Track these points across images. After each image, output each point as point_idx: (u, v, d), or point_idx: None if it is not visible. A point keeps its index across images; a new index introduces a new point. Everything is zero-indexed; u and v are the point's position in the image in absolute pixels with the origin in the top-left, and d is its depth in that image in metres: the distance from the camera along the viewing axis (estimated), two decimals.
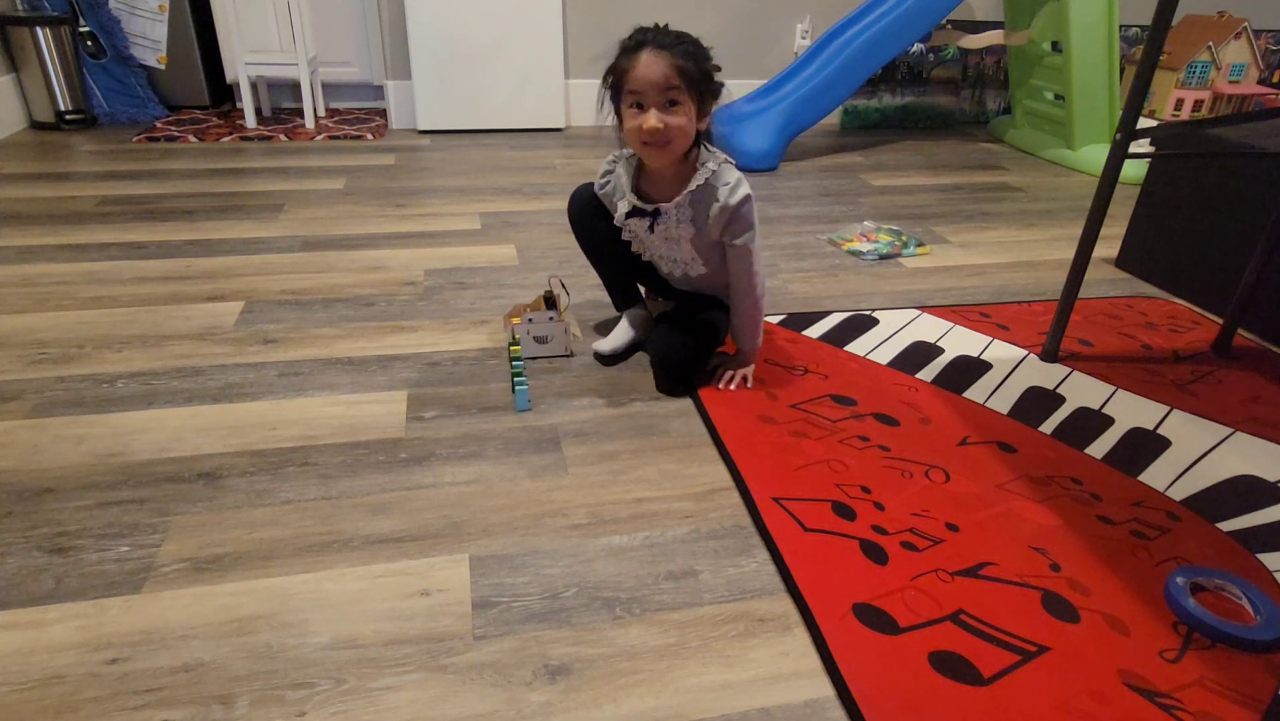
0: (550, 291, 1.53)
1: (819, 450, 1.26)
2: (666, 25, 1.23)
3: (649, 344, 1.43)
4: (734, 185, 1.28)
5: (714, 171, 1.29)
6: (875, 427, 1.32)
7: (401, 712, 0.82)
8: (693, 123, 1.24)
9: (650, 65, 1.19)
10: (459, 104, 3.10)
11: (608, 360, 1.49)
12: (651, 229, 1.36)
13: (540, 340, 1.49)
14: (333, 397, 1.36)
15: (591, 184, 1.45)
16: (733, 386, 1.41)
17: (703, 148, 1.31)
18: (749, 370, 1.44)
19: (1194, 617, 0.95)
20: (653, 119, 1.20)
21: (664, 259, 1.43)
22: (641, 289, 1.59)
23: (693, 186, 1.29)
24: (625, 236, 1.42)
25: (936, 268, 2.00)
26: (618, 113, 1.27)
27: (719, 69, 1.26)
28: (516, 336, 1.50)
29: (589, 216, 1.45)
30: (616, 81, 1.24)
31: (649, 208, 1.34)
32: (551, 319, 1.48)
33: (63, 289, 1.71)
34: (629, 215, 1.36)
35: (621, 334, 1.51)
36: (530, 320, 1.47)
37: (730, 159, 1.32)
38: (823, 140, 3.28)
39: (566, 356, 1.52)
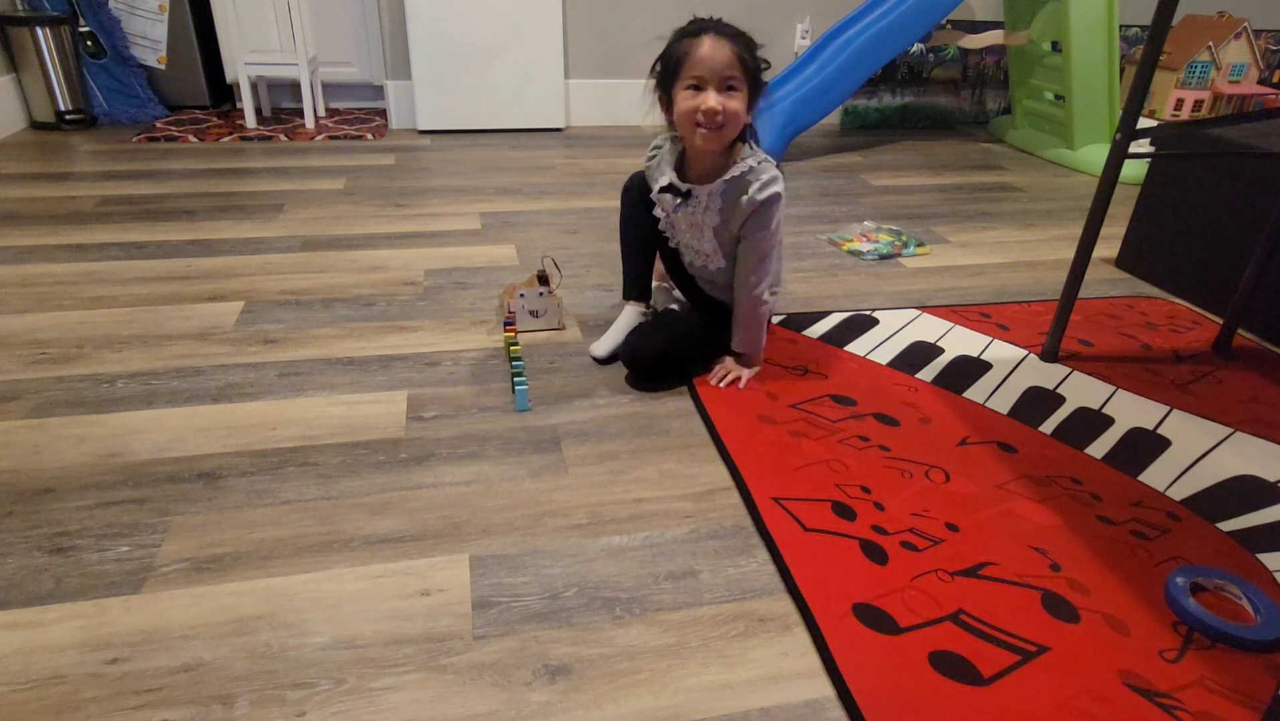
0: (543, 270, 1.58)
1: (819, 450, 1.26)
2: (721, 18, 1.26)
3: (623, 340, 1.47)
4: (766, 182, 1.30)
5: (752, 167, 1.31)
6: (875, 427, 1.32)
7: (401, 712, 0.82)
8: (744, 111, 1.27)
9: (715, 49, 1.22)
10: (459, 104, 3.10)
11: (605, 362, 1.50)
12: (679, 209, 1.38)
13: (534, 314, 1.56)
14: (333, 397, 1.36)
15: None
16: (723, 384, 1.41)
17: (748, 144, 1.33)
18: (747, 372, 1.43)
19: (1194, 617, 0.95)
20: (712, 99, 1.23)
21: (688, 247, 1.44)
22: (654, 282, 1.59)
23: (729, 175, 1.31)
24: (656, 212, 1.43)
25: (936, 268, 2.00)
26: (669, 96, 1.29)
27: (768, 65, 1.29)
28: (511, 310, 1.55)
29: (643, 195, 1.46)
30: (674, 64, 1.26)
31: (684, 187, 1.36)
32: (541, 294, 1.54)
33: (63, 289, 1.71)
34: (663, 189, 1.38)
35: (615, 335, 1.51)
36: (522, 295, 1.54)
37: (771, 158, 1.34)
38: (823, 140, 3.28)
39: (558, 330, 1.57)
